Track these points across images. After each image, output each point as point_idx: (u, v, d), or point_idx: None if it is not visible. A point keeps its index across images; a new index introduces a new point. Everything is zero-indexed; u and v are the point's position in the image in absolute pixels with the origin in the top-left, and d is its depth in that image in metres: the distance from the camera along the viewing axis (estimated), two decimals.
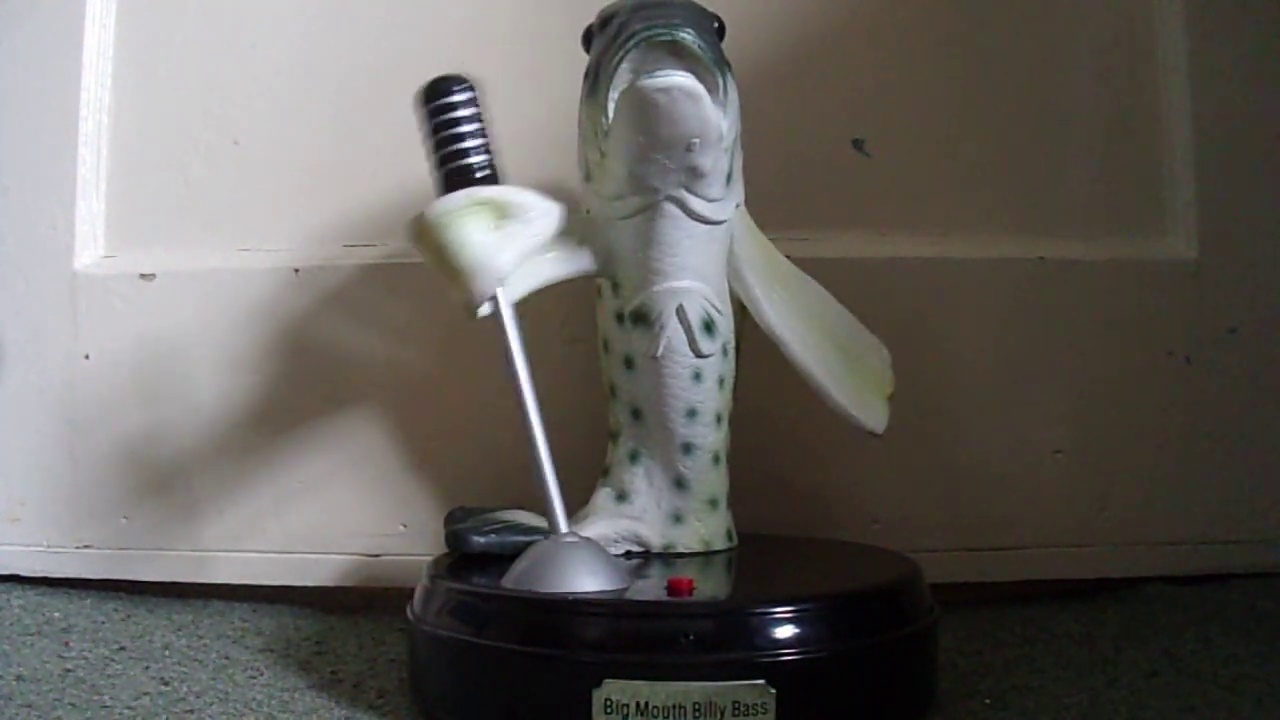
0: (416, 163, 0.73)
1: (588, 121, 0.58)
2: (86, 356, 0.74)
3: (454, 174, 0.56)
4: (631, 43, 0.54)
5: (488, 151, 0.56)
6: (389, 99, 0.73)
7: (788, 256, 0.63)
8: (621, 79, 0.54)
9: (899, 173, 0.73)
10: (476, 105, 0.56)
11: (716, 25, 0.58)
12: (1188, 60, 0.73)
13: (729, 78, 0.56)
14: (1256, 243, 0.74)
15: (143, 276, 0.74)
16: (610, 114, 0.55)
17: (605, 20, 0.57)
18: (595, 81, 0.56)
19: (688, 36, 0.54)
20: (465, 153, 0.56)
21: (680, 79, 0.53)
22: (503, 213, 0.55)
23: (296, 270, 0.73)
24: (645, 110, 0.54)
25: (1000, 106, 0.74)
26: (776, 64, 0.73)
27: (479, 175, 0.56)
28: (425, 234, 0.55)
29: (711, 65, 0.54)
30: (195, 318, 0.73)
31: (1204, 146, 0.73)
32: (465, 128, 0.56)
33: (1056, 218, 0.74)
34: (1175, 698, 0.55)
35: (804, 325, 0.61)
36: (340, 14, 0.75)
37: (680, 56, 0.54)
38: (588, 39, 0.59)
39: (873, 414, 0.61)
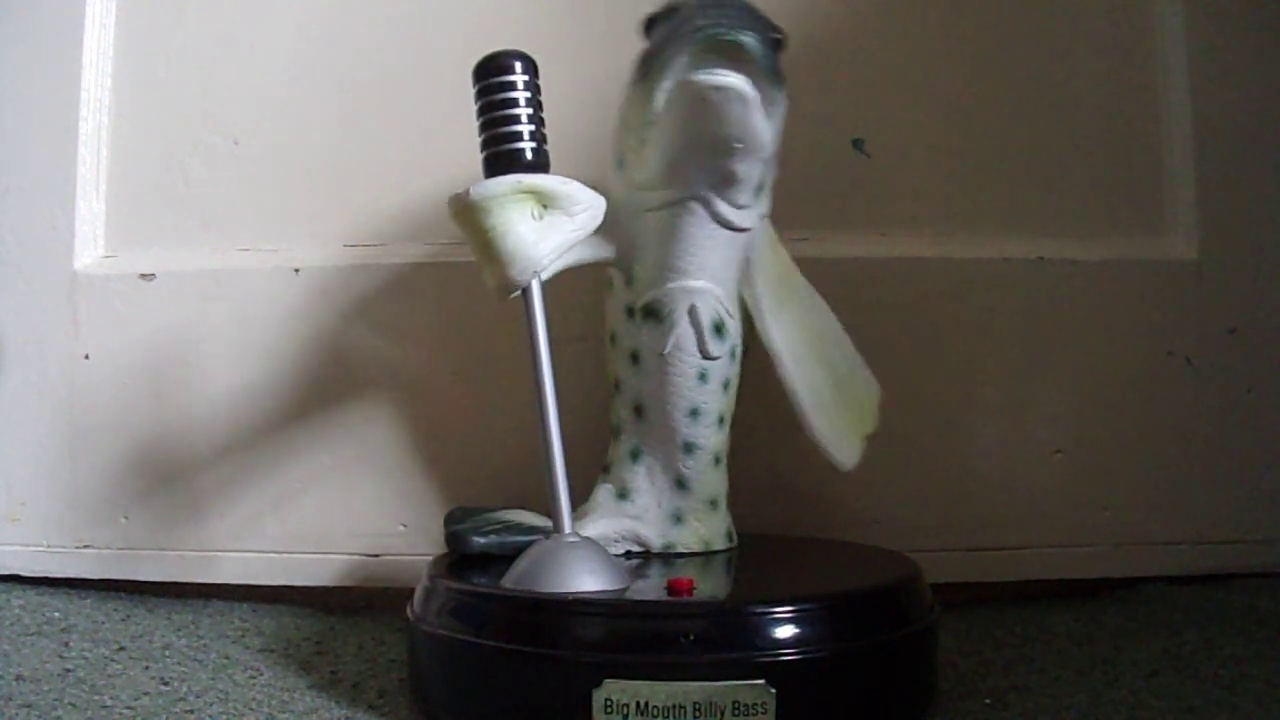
0: (417, 162, 0.73)
1: (633, 107, 0.58)
2: (86, 356, 0.74)
3: (503, 156, 0.54)
4: (695, 36, 0.53)
5: (540, 135, 0.55)
6: (389, 99, 0.74)
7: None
8: (677, 70, 0.54)
9: (899, 173, 0.74)
10: (533, 86, 0.55)
11: (779, 37, 0.58)
12: (1188, 60, 0.74)
13: (781, 91, 0.56)
14: (1256, 243, 0.74)
15: (143, 276, 0.74)
16: (660, 103, 0.55)
17: (671, 10, 0.57)
18: (650, 68, 0.56)
19: (750, 40, 0.53)
20: (517, 135, 0.54)
21: (736, 80, 0.53)
22: (547, 202, 0.55)
23: (297, 270, 0.73)
24: (696, 105, 0.53)
25: (1000, 107, 0.74)
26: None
27: (529, 159, 0.54)
28: (467, 214, 0.54)
29: (767, 74, 0.54)
30: (195, 318, 0.73)
31: (1204, 146, 0.73)
32: (519, 109, 0.54)
33: (1056, 218, 0.74)
34: (1175, 698, 0.55)
35: (803, 347, 0.61)
36: (340, 14, 0.75)
37: (739, 60, 0.53)
38: (648, 26, 0.58)
39: (846, 450, 0.61)
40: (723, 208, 0.57)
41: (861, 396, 0.62)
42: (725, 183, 0.56)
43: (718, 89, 0.53)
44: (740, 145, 0.54)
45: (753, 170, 0.56)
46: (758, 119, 0.54)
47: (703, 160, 0.55)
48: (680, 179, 0.56)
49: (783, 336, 0.60)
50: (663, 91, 0.54)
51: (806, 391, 0.60)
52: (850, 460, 0.61)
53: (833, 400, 0.61)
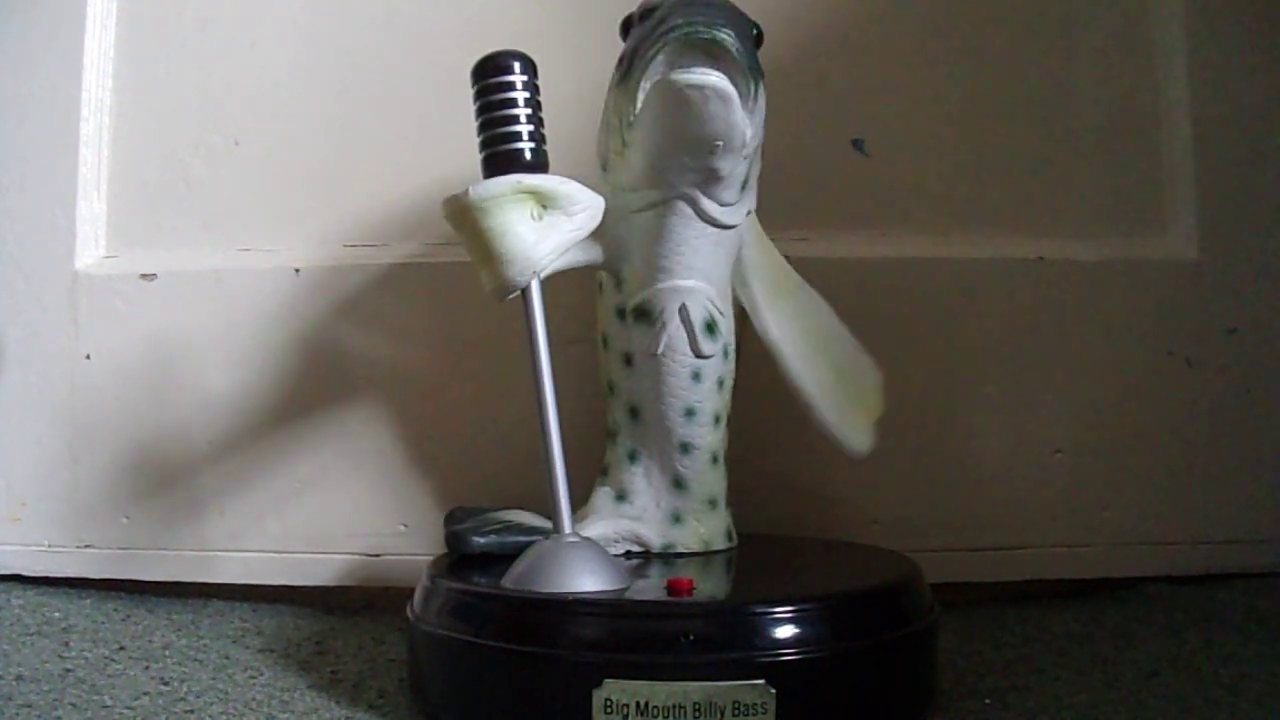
0: (417, 162, 0.73)
1: (614, 110, 0.58)
2: (87, 357, 0.74)
3: (502, 156, 0.54)
4: (671, 36, 0.53)
5: (539, 135, 0.55)
6: (389, 99, 0.74)
7: (787, 256, 0.63)
8: (655, 70, 0.54)
9: (899, 173, 0.74)
10: (532, 86, 0.55)
11: (756, 32, 0.57)
12: (1188, 60, 0.74)
13: (760, 86, 0.56)
14: (1256, 243, 0.74)
15: (143, 277, 0.74)
16: (639, 104, 0.55)
17: (647, 11, 0.56)
18: (628, 70, 0.56)
19: (727, 38, 0.53)
20: (516, 135, 0.54)
21: (714, 79, 0.53)
22: (546, 202, 0.54)
23: (297, 270, 0.73)
24: (675, 105, 0.53)
25: (1000, 106, 0.74)
26: (776, 64, 0.73)
27: (528, 159, 0.54)
28: (465, 215, 0.54)
29: (746, 70, 0.54)
30: (196, 318, 0.73)
31: (1204, 146, 0.73)
32: (518, 109, 0.54)
33: (1056, 218, 0.74)
34: (1175, 698, 0.55)
35: (802, 339, 0.60)
36: (340, 14, 0.75)
37: (717, 57, 0.53)
38: (626, 27, 0.58)
39: (857, 435, 0.60)
40: (709, 206, 0.57)
41: (864, 381, 0.62)
42: (709, 181, 0.56)
43: (696, 88, 0.53)
44: (721, 143, 0.54)
45: (736, 167, 0.56)
46: (738, 116, 0.54)
47: (685, 159, 0.55)
48: (664, 179, 0.56)
49: (781, 331, 0.60)
50: (642, 92, 0.54)
51: (811, 384, 0.60)
52: (863, 446, 0.60)
53: (838, 389, 0.60)
